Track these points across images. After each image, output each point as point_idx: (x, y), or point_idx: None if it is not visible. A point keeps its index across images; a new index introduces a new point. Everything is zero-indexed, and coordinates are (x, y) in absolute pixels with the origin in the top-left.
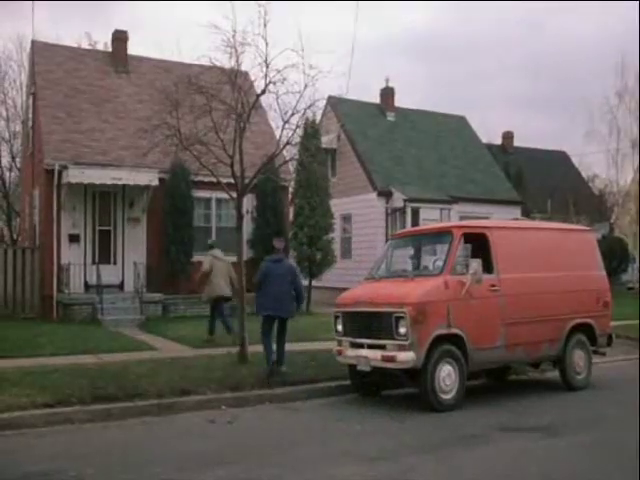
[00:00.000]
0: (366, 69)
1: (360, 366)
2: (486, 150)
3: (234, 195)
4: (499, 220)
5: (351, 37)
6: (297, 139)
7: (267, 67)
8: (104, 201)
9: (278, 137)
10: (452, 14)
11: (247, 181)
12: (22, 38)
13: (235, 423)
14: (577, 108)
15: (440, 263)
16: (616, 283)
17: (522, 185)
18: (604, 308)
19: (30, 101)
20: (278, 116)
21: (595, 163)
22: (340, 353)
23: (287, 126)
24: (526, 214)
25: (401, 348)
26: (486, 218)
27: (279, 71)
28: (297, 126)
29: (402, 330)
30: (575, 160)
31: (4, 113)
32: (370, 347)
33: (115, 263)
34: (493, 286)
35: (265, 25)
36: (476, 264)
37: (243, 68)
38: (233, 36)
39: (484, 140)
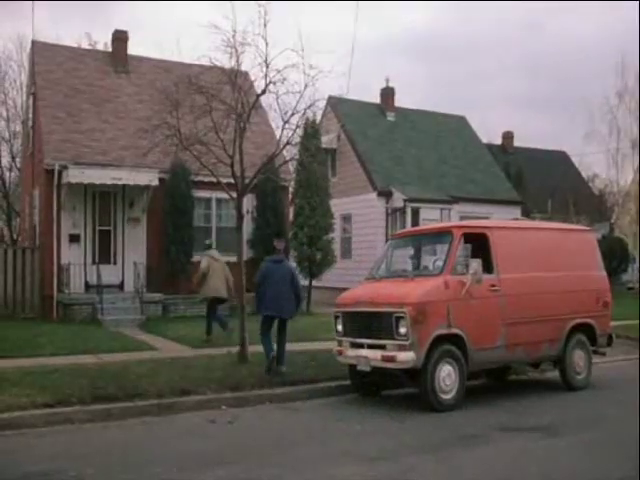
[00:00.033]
0: (366, 69)
1: (360, 366)
2: (486, 150)
3: (234, 195)
4: (499, 220)
5: (351, 37)
6: (297, 139)
7: (267, 67)
8: (104, 201)
9: (278, 137)
10: (452, 14)
11: (247, 181)
12: (22, 38)
13: (235, 423)
14: (577, 108)
15: (440, 263)
16: (616, 283)
17: (522, 185)
18: (604, 308)
19: (30, 101)
20: (278, 116)
21: (595, 163)
22: (340, 353)
23: (287, 126)
24: (526, 214)
25: (401, 348)
26: (486, 218)
27: (279, 71)
28: (297, 126)
29: (402, 330)
30: (575, 160)
31: (4, 113)
32: (370, 347)
33: (115, 263)
34: (493, 286)
35: (265, 25)
36: (476, 264)
37: (243, 68)
38: (233, 36)
39: (484, 140)
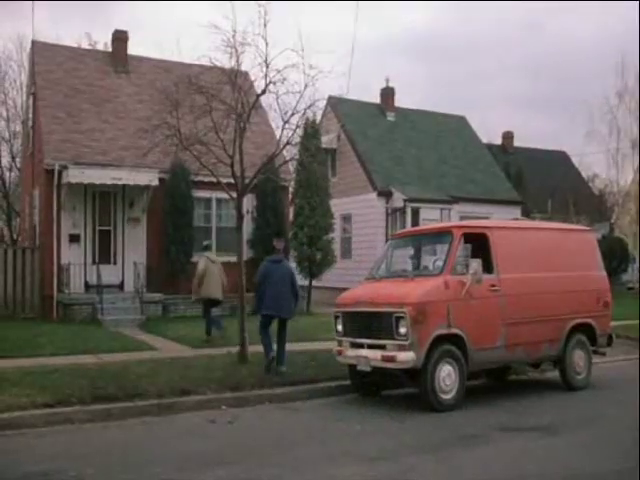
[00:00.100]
0: (366, 69)
1: (360, 366)
2: (486, 150)
3: (234, 195)
4: (499, 220)
5: (351, 37)
6: (297, 139)
7: (267, 67)
8: (104, 201)
9: (278, 137)
10: (452, 14)
11: (247, 181)
12: (22, 38)
13: (235, 423)
14: (577, 108)
15: (440, 263)
16: (616, 283)
17: (522, 185)
18: (604, 308)
19: (30, 101)
20: (278, 116)
21: (595, 163)
22: (340, 353)
23: (287, 126)
24: (526, 214)
25: (401, 348)
26: (486, 218)
27: (279, 71)
28: (297, 126)
29: (402, 330)
30: (575, 160)
31: (4, 113)
32: (370, 347)
33: (115, 263)
34: (493, 286)
35: (265, 25)
36: (476, 264)
37: (243, 68)
38: (233, 36)
39: (484, 140)
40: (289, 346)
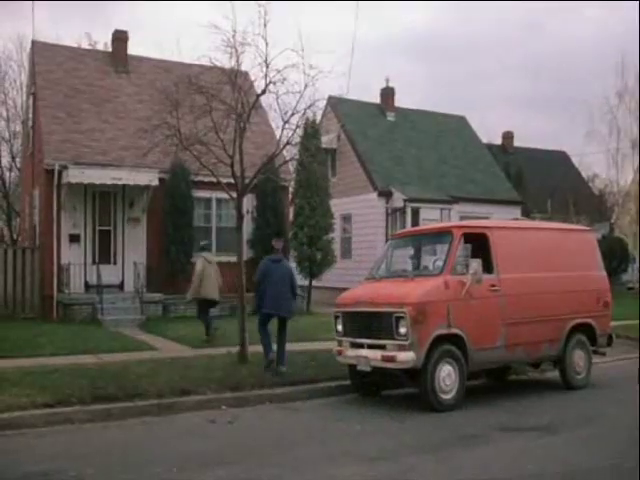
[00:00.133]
0: (366, 69)
1: (360, 366)
2: (486, 150)
3: (234, 195)
4: (499, 220)
5: (351, 37)
6: (297, 139)
7: (267, 67)
8: (104, 201)
9: (278, 137)
10: (452, 14)
11: (247, 181)
12: (22, 38)
13: (235, 423)
14: (577, 108)
15: (440, 263)
16: (616, 283)
17: (522, 185)
18: (604, 308)
19: (30, 101)
20: (278, 116)
21: (595, 163)
22: (340, 353)
23: (287, 126)
24: (526, 214)
25: (401, 348)
26: (486, 218)
27: (279, 71)
28: (297, 126)
29: (402, 330)
30: (575, 160)
31: (4, 113)
32: (370, 347)
33: (115, 263)
34: (493, 286)
35: (265, 25)
36: (476, 264)
37: (243, 68)
38: (233, 36)
39: (484, 140)
40: (289, 346)
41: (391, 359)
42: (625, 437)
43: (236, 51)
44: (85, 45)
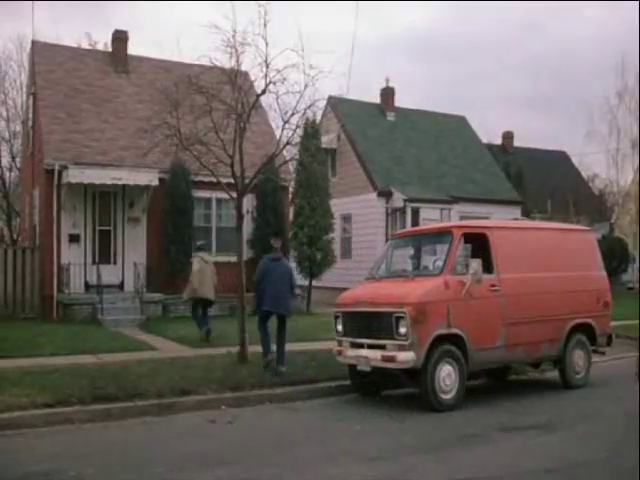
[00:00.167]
0: (366, 69)
1: (360, 366)
2: (486, 150)
3: (234, 195)
4: (499, 220)
5: (351, 37)
6: (297, 139)
7: (267, 67)
8: (104, 201)
9: (278, 137)
10: (452, 14)
11: (247, 181)
12: (22, 38)
13: (235, 423)
14: (577, 108)
15: (440, 263)
16: (616, 283)
17: (522, 185)
18: (604, 308)
19: (30, 101)
20: (278, 116)
21: (595, 163)
22: (340, 353)
23: (287, 126)
24: (526, 214)
25: (401, 348)
26: (486, 218)
27: (279, 71)
28: (297, 126)
29: (402, 330)
30: (575, 160)
31: (4, 113)
32: (370, 347)
33: (115, 263)
34: (493, 286)
35: (265, 25)
36: (476, 264)
37: (243, 68)
38: (233, 36)
39: (484, 140)
40: (289, 346)
41: (391, 359)
42: (620, 433)
43: (236, 51)
44: (85, 45)
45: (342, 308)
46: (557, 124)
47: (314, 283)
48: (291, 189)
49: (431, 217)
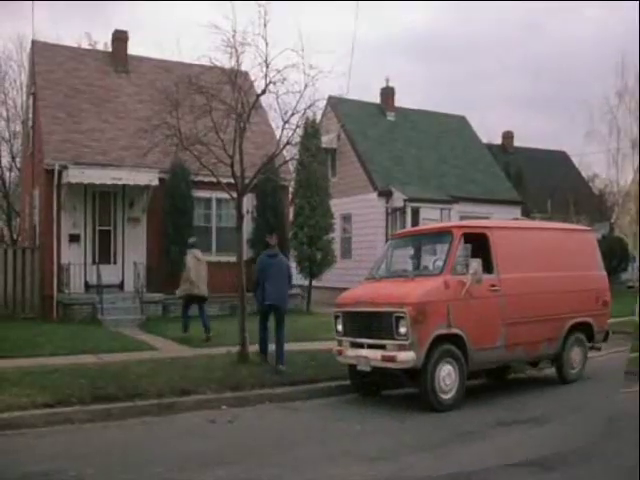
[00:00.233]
0: (366, 69)
1: (360, 366)
2: (486, 150)
3: (234, 195)
4: (499, 220)
5: (351, 37)
6: (297, 139)
7: (267, 67)
8: (104, 201)
9: (278, 137)
10: (452, 14)
11: (247, 181)
12: (22, 38)
13: (235, 423)
14: (577, 108)
15: (440, 263)
16: (616, 282)
17: (522, 185)
18: (603, 307)
19: (30, 101)
20: (278, 116)
21: (595, 163)
22: (340, 353)
23: (287, 126)
24: (526, 214)
25: (401, 348)
26: (486, 218)
27: (279, 71)
28: (297, 126)
29: (402, 330)
30: (575, 160)
31: (4, 113)
32: (370, 347)
33: (115, 263)
34: (493, 286)
35: (265, 25)
36: (476, 264)
37: (243, 68)
38: (233, 36)
39: (484, 140)
40: (289, 346)
41: (391, 359)
42: (605, 421)
43: (236, 51)
44: (85, 45)
45: (342, 308)
46: (557, 124)
47: (314, 283)
48: (291, 189)
49: (431, 217)
